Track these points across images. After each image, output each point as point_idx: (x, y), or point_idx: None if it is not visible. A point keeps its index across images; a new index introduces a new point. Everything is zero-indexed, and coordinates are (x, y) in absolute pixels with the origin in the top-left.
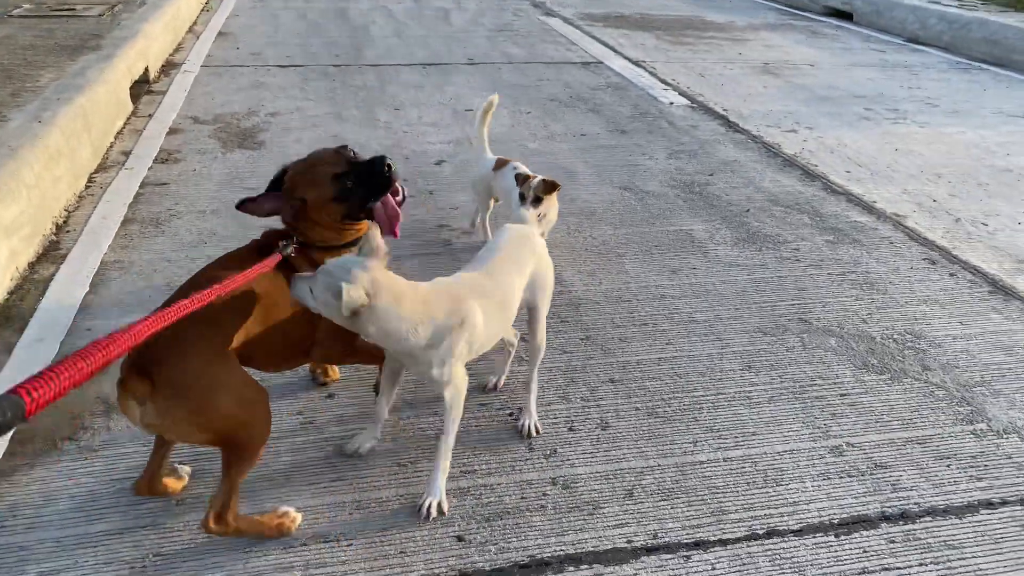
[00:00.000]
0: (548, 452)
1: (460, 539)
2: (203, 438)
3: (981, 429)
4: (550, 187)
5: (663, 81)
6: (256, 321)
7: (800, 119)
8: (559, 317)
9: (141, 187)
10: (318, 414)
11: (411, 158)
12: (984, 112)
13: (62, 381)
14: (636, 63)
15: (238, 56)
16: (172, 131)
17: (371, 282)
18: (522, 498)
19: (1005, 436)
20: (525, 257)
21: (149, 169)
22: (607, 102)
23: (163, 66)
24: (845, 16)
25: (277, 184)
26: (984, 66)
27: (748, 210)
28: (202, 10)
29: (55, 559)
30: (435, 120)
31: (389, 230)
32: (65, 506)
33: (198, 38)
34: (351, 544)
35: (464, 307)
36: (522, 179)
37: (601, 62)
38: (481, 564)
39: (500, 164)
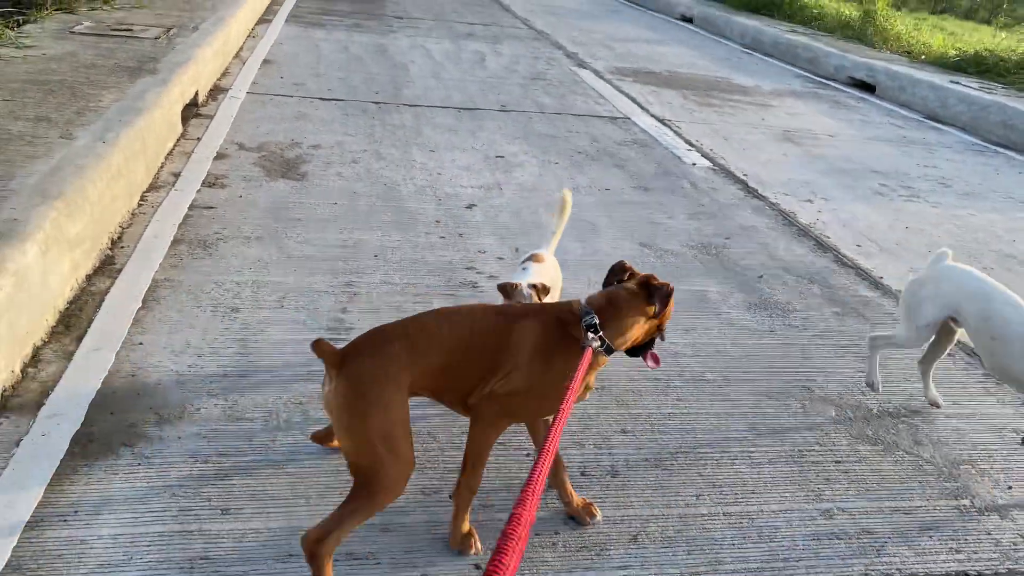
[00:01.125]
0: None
1: (478, 567)
2: (346, 445)
3: (965, 505)
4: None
5: (687, 141)
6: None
7: (816, 189)
8: None
9: (190, 209)
10: None
11: (443, 200)
12: (996, 196)
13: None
14: (662, 121)
15: (281, 85)
16: (219, 156)
17: None
18: (536, 535)
19: (986, 514)
20: None
21: (197, 192)
22: (632, 158)
23: (211, 90)
24: (868, 88)
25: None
26: (1000, 149)
27: (762, 276)
28: (248, 36)
29: (110, 554)
30: (468, 164)
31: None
32: (120, 507)
33: (244, 64)
34: (379, 563)
35: None
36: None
37: (628, 118)
38: None
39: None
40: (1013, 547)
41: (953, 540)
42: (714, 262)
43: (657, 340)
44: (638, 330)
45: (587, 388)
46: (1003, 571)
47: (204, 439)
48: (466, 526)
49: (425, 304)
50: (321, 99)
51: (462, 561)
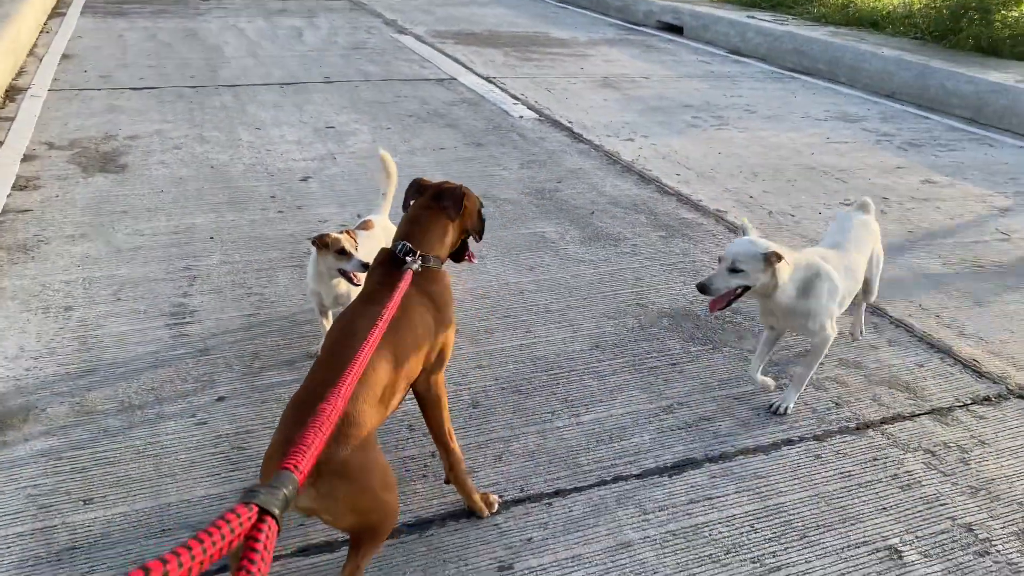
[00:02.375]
0: (426, 431)
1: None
2: (349, 520)
3: (785, 383)
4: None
5: (513, 96)
6: (396, 362)
7: (636, 128)
8: None
9: (2, 215)
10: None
11: (276, 175)
12: (794, 117)
13: (313, 449)
14: (487, 79)
15: (87, 79)
16: (27, 158)
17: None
18: (406, 471)
19: (805, 388)
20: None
21: (8, 197)
22: (462, 117)
23: (7, 91)
24: (677, 30)
25: (418, 192)
26: (795, 75)
27: (593, 212)
28: (41, 31)
29: None
30: (298, 138)
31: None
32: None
33: (41, 61)
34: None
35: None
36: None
37: (455, 78)
38: None
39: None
40: (827, 412)
41: (777, 414)
42: (549, 205)
43: (471, 241)
44: (448, 238)
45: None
46: (819, 432)
47: (54, 437)
48: (477, 493)
49: (270, 279)
50: (133, 89)
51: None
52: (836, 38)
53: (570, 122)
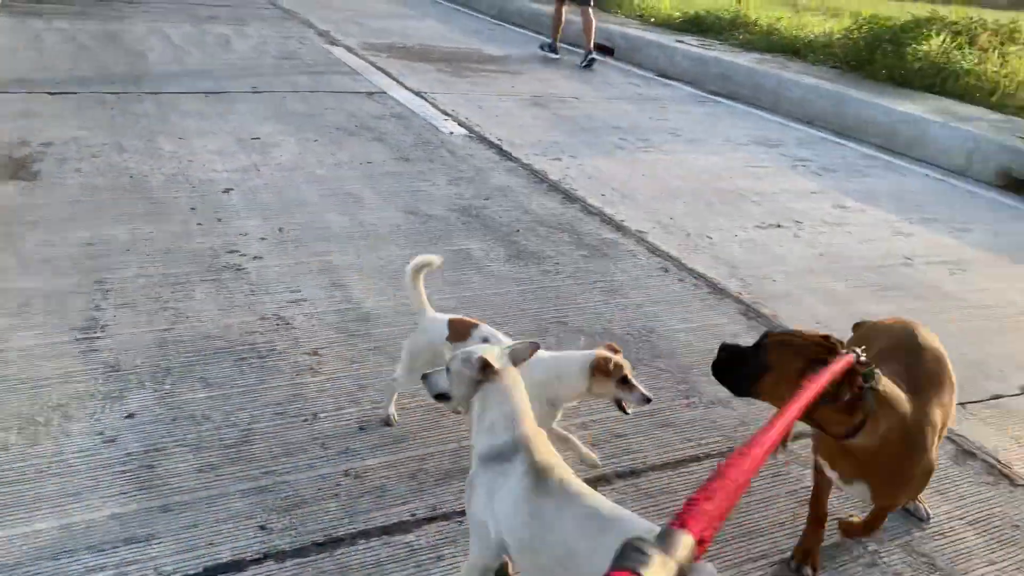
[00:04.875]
0: (341, 450)
1: (263, 528)
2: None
3: (695, 402)
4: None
5: (443, 111)
6: None
7: (564, 148)
8: (348, 332)
9: None
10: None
11: (197, 187)
12: (716, 141)
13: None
14: (418, 94)
15: (0, 82)
16: None
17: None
18: (318, 489)
19: (712, 407)
20: None
21: None
22: (391, 131)
23: None
24: (608, 51)
25: None
26: (720, 99)
27: (518, 230)
28: None
29: None
30: (220, 148)
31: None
32: None
33: None
34: (161, 541)
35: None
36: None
37: (385, 92)
38: (283, 546)
39: (459, 331)
40: (733, 431)
41: (687, 431)
42: (475, 222)
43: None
44: None
45: None
46: (725, 449)
47: None
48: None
49: (187, 293)
50: (49, 94)
51: (245, 523)
52: (760, 64)
53: (499, 139)
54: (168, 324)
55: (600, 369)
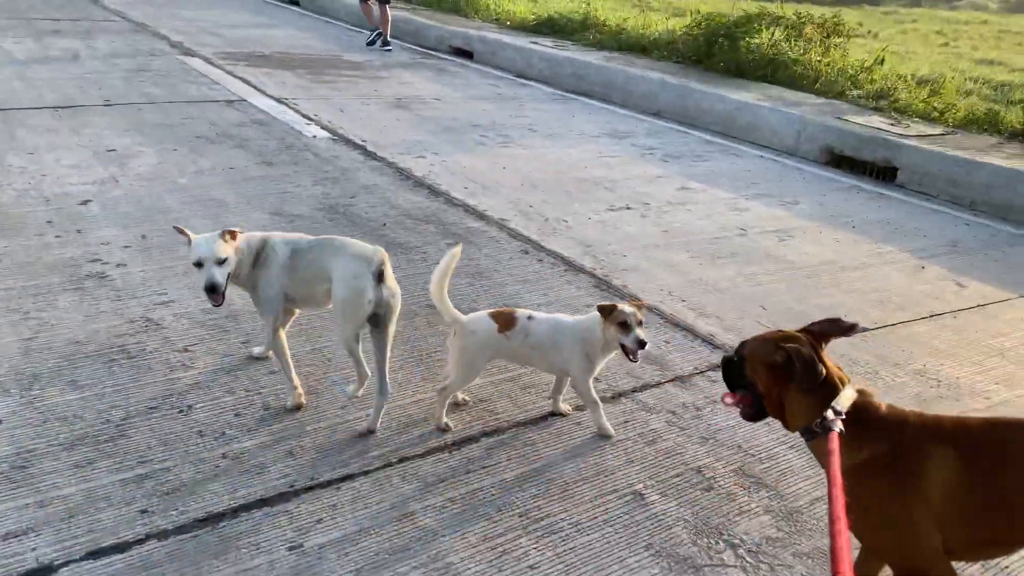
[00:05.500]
0: (218, 435)
1: (144, 512)
2: None
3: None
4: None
5: (306, 116)
6: None
7: (428, 147)
8: (219, 327)
9: None
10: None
11: (52, 200)
12: (572, 135)
13: None
14: (280, 100)
15: None
16: None
17: None
18: (197, 473)
19: None
20: None
21: None
22: (253, 137)
23: None
24: (468, 55)
25: None
26: (574, 96)
27: (385, 224)
28: None
29: None
30: (75, 162)
31: None
32: None
33: None
34: (39, 534)
35: None
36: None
37: (245, 100)
38: (164, 526)
39: (506, 321)
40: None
41: (545, 391)
42: (342, 219)
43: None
44: None
45: None
46: (580, 404)
47: None
48: None
49: (49, 302)
50: None
51: (126, 509)
52: (610, 62)
53: (364, 141)
54: (32, 333)
55: (603, 311)
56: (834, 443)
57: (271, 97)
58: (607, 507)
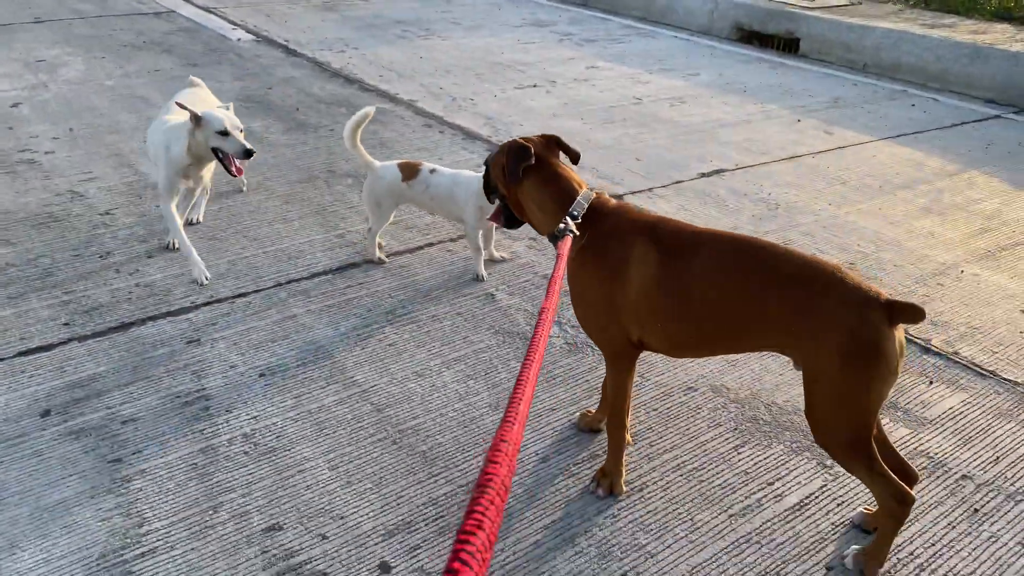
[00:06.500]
0: (132, 271)
1: (67, 324)
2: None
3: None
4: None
5: (232, 22)
6: None
7: (349, 43)
8: (137, 195)
9: None
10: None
11: None
12: (494, 25)
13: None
14: (207, 9)
15: None
16: None
17: None
18: (113, 297)
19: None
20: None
21: None
22: (179, 43)
23: None
24: None
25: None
26: None
27: (297, 108)
28: None
29: None
30: (6, 72)
31: None
32: None
33: None
34: None
35: None
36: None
37: (173, 11)
38: (83, 332)
39: (410, 170)
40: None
41: (429, 231)
42: (258, 107)
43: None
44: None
45: None
46: (448, 239)
47: None
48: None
49: None
50: None
51: (52, 325)
52: None
53: (286, 40)
54: None
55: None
56: (564, 247)
57: (198, 7)
58: (462, 304)
